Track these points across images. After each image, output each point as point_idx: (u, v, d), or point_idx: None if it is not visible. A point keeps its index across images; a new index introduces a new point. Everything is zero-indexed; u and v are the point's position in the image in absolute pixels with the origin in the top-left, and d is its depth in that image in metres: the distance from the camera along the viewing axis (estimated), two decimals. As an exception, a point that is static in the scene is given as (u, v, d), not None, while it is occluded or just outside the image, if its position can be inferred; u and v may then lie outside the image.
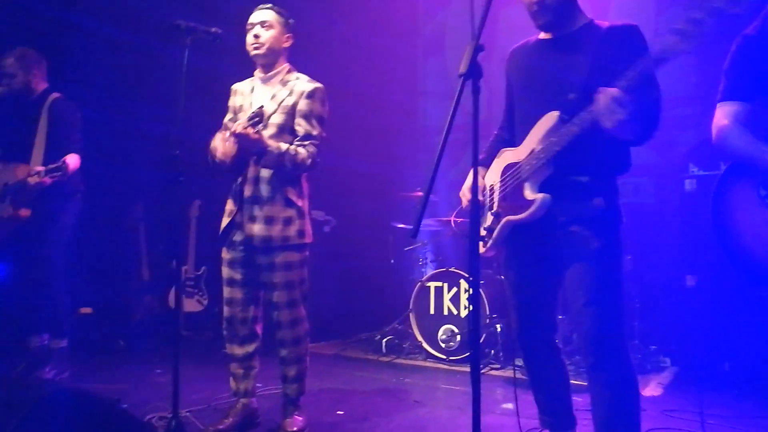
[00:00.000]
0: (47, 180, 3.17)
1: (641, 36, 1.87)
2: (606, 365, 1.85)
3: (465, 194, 2.18)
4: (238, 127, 2.38)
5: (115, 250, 5.21)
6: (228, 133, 2.44)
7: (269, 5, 2.60)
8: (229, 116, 2.71)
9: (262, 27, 2.55)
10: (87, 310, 4.62)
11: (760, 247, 1.65)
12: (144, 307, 5.07)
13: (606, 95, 1.66)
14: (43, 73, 3.55)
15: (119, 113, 5.09)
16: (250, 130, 2.35)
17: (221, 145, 2.48)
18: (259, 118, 2.38)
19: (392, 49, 5.63)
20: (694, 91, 4.25)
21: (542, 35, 2.07)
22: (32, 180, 3.17)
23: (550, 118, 1.88)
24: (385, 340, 4.42)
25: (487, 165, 2.16)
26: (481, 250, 2.05)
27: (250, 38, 2.56)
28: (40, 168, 3.20)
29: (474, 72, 1.50)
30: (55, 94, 3.53)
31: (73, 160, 3.30)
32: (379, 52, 5.57)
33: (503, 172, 2.05)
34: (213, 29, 2.40)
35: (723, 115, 1.79)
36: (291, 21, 2.64)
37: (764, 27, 1.70)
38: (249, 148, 2.43)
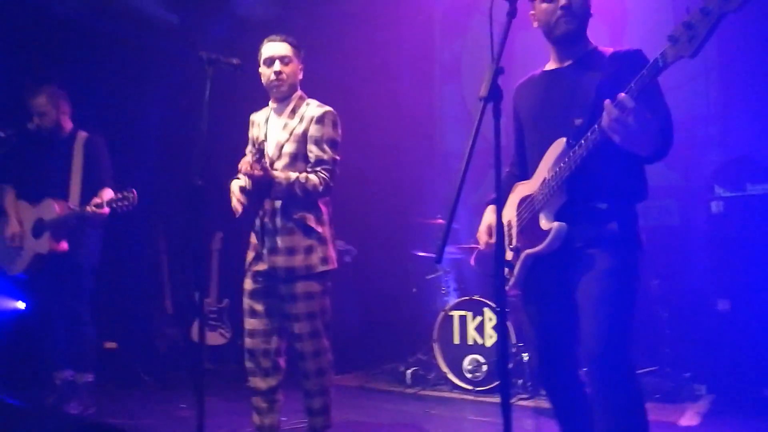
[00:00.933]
0: (106, 210, 3.24)
1: (645, 59, 1.84)
2: (611, 388, 1.76)
3: (482, 236, 2.15)
4: (244, 166, 2.41)
5: (138, 283, 5.24)
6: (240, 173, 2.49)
7: (282, 37, 2.60)
8: (249, 147, 2.74)
9: (282, 63, 2.56)
10: (112, 344, 4.63)
11: None
12: (167, 341, 5.07)
13: (612, 108, 1.62)
14: (69, 110, 3.65)
15: (143, 142, 5.20)
16: (256, 167, 2.36)
17: (236, 189, 2.54)
18: (260, 154, 2.38)
19: (410, 75, 5.69)
20: (717, 111, 4.20)
21: (547, 66, 2.07)
22: (91, 209, 3.24)
23: (558, 145, 1.87)
24: (409, 371, 4.34)
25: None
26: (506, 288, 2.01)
27: (268, 72, 2.57)
28: (99, 200, 3.27)
29: (495, 95, 1.50)
30: (84, 133, 3.62)
31: (109, 194, 3.41)
32: (396, 78, 5.63)
33: (518, 206, 2.03)
34: (234, 60, 2.44)
35: None
36: (302, 50, 2.66)
37: None
38: (259, 183, 2.45)
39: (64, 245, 3.42)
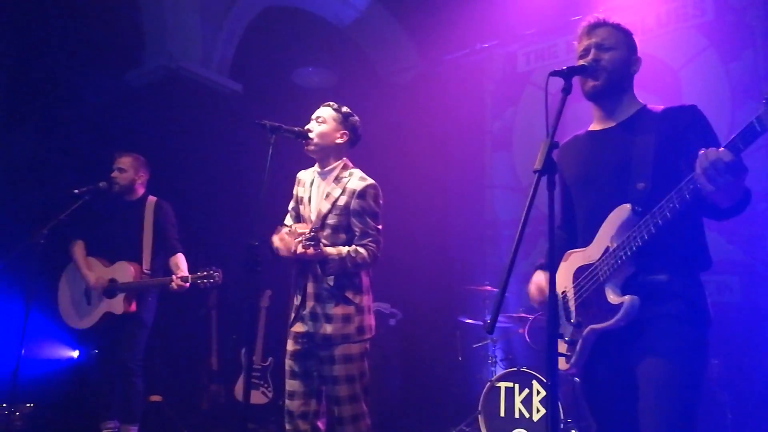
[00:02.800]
0: (188, 285, 3.38)
1: (701, 114, 1.80)
2: None
3: (535, 296, 2.06)
4: (298, 247, 2.42)
5: (187, 338, 5.33)
6: (286, 237, 2.51)
7: (329, 103, 2.71)
8: (292, 204, 2.79)
9: (316, 122, 2.66)
10: (157, 397, 4.68)
11: None
12: (211, 397, 5.09)
13: (710, 158, 1.49)
14: (146, 178, 3.87)
15: (202, 202, 5.41)
16: (310, 251, 2.38)
17: (282, 245, 2.56)
18: (314, 241, 2.37)
19: (461, 142, 5.79)
20: (779, 186, 4.09)
21: (592, 126, 2.01)
22: (175, 285, 3.39)
23: (623, 211, 1.77)
24: (452, 442, 4.20)
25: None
26: (564, 366, 1.90)
27: (306, 127, 2.65)
28: (184, 273, 3.44)
29: (549, 167, 1.52)
30: (153, 197, 3.81)
31: (184, 262, 3.60)
32: (448, 145, 5.74)
33: (575, 277, 1.91)
34: (296, 128, 2.55)
35: None
36: (352, 118, 2.70)
37: None
38: (310, 261, 2.50)
39: (134, 306, 3.56)
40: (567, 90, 1.65)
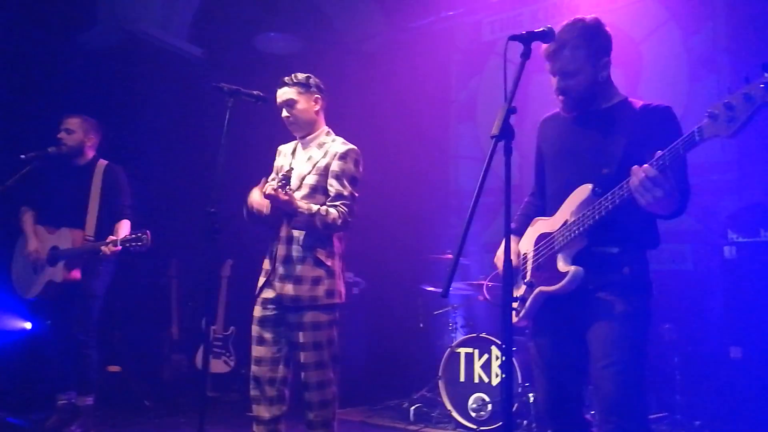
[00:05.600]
0: (119, 248, 3.28)
1: (675, 118, 1.90)
2: None
3: (500, 259, 2.15)
4: (268, 188, 2.43)
5: (146, 307, 5.26)
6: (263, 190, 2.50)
7: (288, 80, 2.64)
8: (272, 176, 2.78)
9: (288, 107, 2.63)
10: (115, 368, 4.62)
11: None
12: (171, 367, 5.05)
13: (641, 174, 1.65)
14: (96, 142, 3.72)
15: (159, 168, 5.28)
16: (280, 192, 2.40)
17: (258, 197, 2.55)
18: (286, 180, 2.41)
19: (426, 113, 5.76)
20: (733, 157, 4.20)
21: None
22: (107, 249, 3.28)
23: (584, 190, 1.89)
24: (413, 407, 4.28)
25: (520, 233, 2.15)
26: (514, 319, 2.03)
27: (283, 115, 2.65)
28: (114, 237, 3.32)
29: (506, 133, 1.52)
30: (104, 161, 3.68)
31: (126, 227, 3.50)
32: (412, 116, 5.70)
33: (537, 242, 2.04)
34: (255, 92, 2.49)
35: None
36: (312, 80, 2.66)
37: None
38: (281, 209, 2.49)
39: (77, 274, 3.44)
40: (526, 55, 1.66)
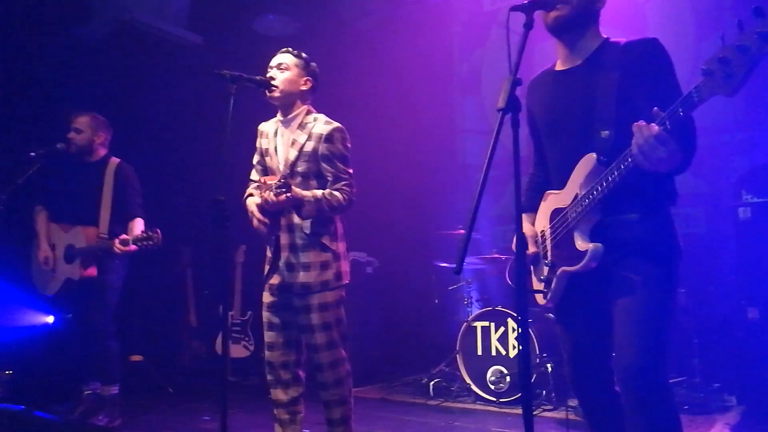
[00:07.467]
0: (133, 248, 3.34)
1: (663, 50, 1.78)
2: (646, 400, 1.71)
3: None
4: (269, 196, 2.38)
5: (164, 297, 5.32)
6: (262, 193, 2.47)
7: (288, 48, 2.63)
8: (256, 157, 2.74)
9: (278, 69, 2.58)
10: (137, 357, 4.70)
11: None
12: (192, 353, 5.13)
13: (644, 135, 1.55)
14: (107, 140, 3.73)
15: (167, 159, 5.29)
16: (282, 198, 2.33)
17: (257, 210, 2.51)
18: (285, 188, 2.32)
19: (430, 89, 5.71)
20: (744, 117, 4.14)
21: (559, 66, 2.00)
22: (119, 248, 3.34)
23: (589, 161, 1.81)
24: (432, 382, 4.32)
25: (532, 209, 2.09)
26: (542, 301, 1.99)
27: (269, 74, 2.58)
28: (127, 237, 3.37)
29: (513, 106, 1.50)
30: (116, 159, 3.69)
31: (139, 226, 3.55)
32: (416, 91, 5.65)
33: (551, 218, 1.97)
34: (258, 77, 2.47)
35: None
36: (312, 64, 2.64)
37: None
38: (286, 207, 2.46)
39: (93, 271, 3.51)
40: (529, 25, 1.62)
